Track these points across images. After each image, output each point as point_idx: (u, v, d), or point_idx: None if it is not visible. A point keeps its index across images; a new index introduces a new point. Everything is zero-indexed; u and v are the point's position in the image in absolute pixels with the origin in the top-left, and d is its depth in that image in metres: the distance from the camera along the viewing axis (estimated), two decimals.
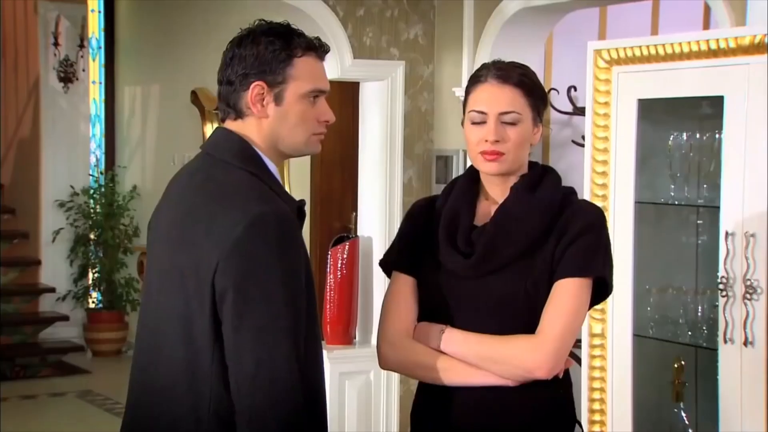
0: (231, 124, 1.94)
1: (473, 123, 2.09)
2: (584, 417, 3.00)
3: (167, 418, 1.89)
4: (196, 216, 1.86)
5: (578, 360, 3.00)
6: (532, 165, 2.15)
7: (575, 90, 4.47)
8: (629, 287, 2.90)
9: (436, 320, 2.10)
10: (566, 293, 2.01)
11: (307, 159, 5.50)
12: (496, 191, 2.13)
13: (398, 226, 2.28)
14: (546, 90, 4.59)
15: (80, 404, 6.04)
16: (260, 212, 1.81)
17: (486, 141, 2.07)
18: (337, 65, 4.12)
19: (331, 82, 4.58)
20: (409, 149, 4.32)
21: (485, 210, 2.13)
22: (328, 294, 4.20)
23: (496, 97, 2.07)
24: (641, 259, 2.93)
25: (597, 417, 2.98)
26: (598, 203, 2.95)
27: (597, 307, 2.95)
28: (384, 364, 2.14)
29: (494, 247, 2.04)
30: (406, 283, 2.14)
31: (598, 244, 2.06)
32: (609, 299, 2.92)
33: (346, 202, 5.27)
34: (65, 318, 7.39)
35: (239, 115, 1.92)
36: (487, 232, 2.06)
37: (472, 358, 2.04)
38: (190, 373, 1.85)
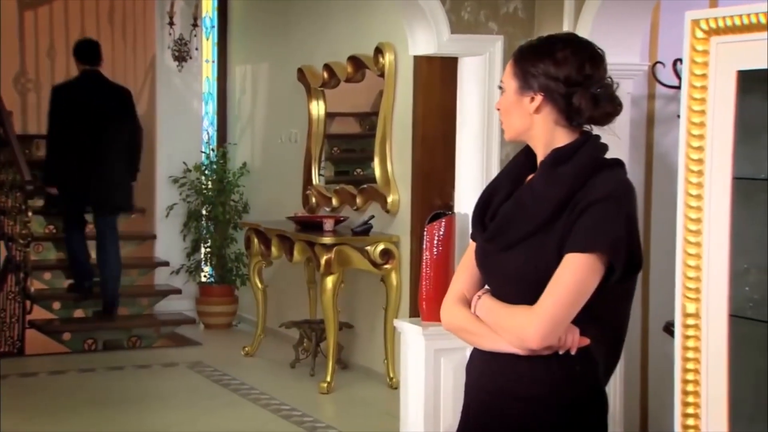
0: None
1: None
2: (677, 399, 2.91)
3: None
4: None
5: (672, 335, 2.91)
6: (582, 136, 2.15)
7: (681, 63, 4.32)
8: (725, 266, 2.79)
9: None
10: (568, 268, 2.02)
11: (408, 136, 5.50)
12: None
13: None
14: (650, 63, 4.47)
15: (191, 374, 6.22)
16: None
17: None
18: (434, 40, 4.07)
19: (430, 58, 4.56)
20: None
21: None
22: (424, 270, 4.19)
23: None
24: (739, 237, 2.82)
25: (691, 399, 2.88)
26: (693, 179, 2.85)
27: (690, 286, 2.87)
28: (443, 326, 2.26)
29: (507, 223, 2.09)
30: (471, 251, 2.24)
31: (611, 216, 2.02)
32: (704, 278, 2.84)
33: (447, 178, 5.24)
34: (178, 291, 7.62)
35: None
36: (504, 208, 2.12)
37: (492, 325, 2.11)
38: None
